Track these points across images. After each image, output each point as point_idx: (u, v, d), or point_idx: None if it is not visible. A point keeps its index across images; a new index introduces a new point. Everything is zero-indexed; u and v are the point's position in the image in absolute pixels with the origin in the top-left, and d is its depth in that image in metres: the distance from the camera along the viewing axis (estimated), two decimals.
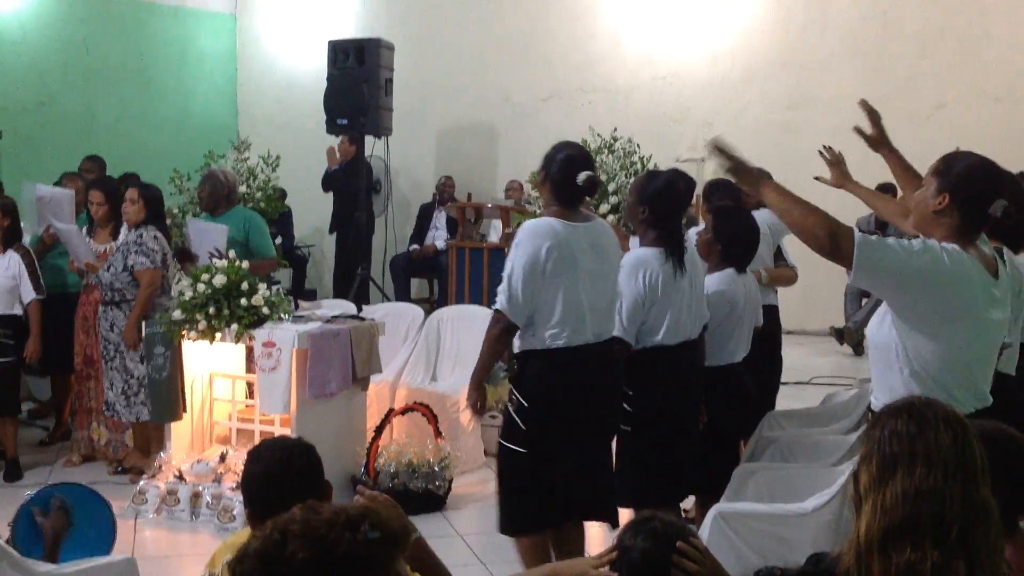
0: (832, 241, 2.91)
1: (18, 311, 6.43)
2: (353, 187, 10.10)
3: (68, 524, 3.62)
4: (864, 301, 9.15)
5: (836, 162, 4.41)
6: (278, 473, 2.68)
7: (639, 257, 4.29)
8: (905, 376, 2.99)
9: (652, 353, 4.29)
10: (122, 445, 6.59)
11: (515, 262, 3.94)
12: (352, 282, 9.86)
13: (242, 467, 5.27)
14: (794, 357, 8.36)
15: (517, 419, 4.00)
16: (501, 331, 4.00)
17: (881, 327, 3.07)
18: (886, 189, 9.07)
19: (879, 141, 4.21)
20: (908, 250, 2.89)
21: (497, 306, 3.97)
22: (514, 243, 4.01)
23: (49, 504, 3.78)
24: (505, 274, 3.95)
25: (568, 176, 4.02)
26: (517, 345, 4.14)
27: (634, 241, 4.77)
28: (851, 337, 9.18)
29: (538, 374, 4.02)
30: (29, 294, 6.43)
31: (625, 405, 4.28)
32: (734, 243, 4.71)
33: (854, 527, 2.00)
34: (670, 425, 4.32)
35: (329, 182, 10.65)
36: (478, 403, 4.17)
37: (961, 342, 2.97)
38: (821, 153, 4.40)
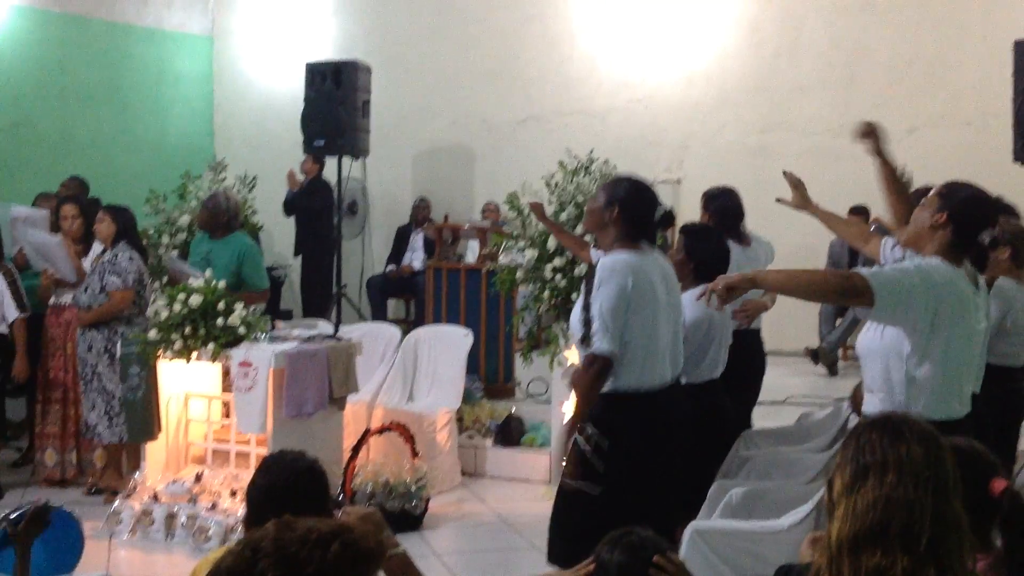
0: (847, 287, 3.08)
1: (3, 330, 6.40)
2: (317, 206, 10.10)
3: (35, 534, 3.58)
4: (838, 321, 9.23)
5: (796, 185, 4.53)
6: (282, 489, 2.68)
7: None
8: (903, 382, 3.14)
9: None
10: (91, 466, 6.57)
11: (603, 300, 3.74)
12: (322, 302, 9.87)
13: (216, 483, 5.24)
14: (769, 377, 8.35)
15: (594, 459, 3.81)
16: (599, 371, 3.77)
17: (876, 336, 3.20)
18: (858, 211, 9.19)
19: (801, 205, 4.39)
20: (904, 271, 3.13)
21: (594, 349, 3.74)
22: (597, 283, 3.79)
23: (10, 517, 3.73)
24: (595, 314, 3.75)
25: (645, 210, 3.89)
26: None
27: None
28: (825, 357, 9.24)
29: (618, 416, 3.83)
30: (12, 313, 6.41)
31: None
32: (706, 261, 4.73)
33: (826, 531, 2.04)
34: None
35: (291, 206, 10.59)
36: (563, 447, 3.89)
37: (954, 350, 3.15)
38: (785, 174, 4.51)
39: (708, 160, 10.37)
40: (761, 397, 7.67)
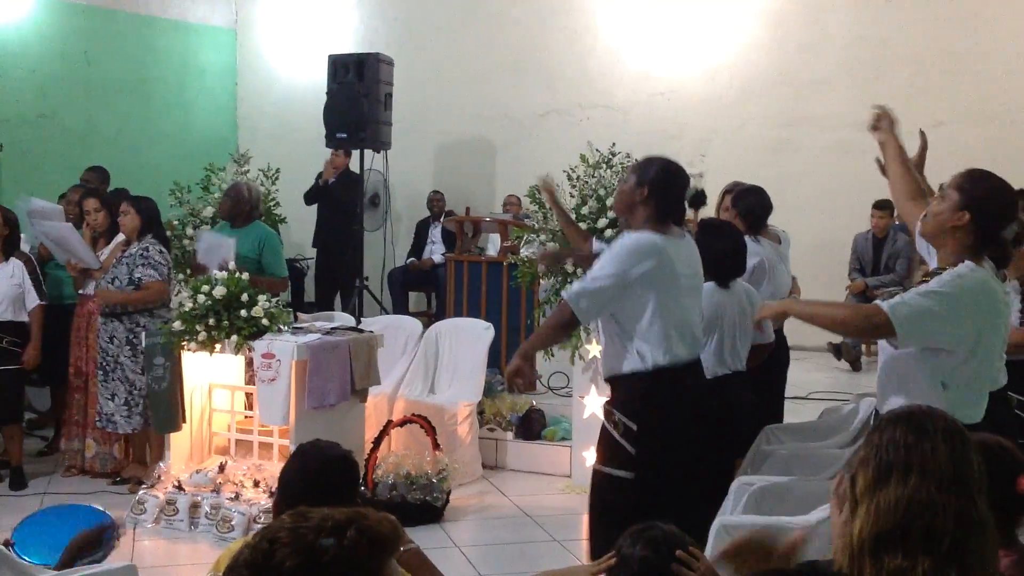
0: (868, 324, 3.12)
1: (24, 318, 6.47)
2: (346, 200, 10.12)
3: (95, 548, 3.63)
4: None
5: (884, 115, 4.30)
6: (314, 475, 2.75)
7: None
8: (930, 381, 3.14)
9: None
10: (111, 458, 6.61)
11: (606, 269, 3.77)
12: (342, 295, 9.89)
13: (239, 474, 5.28)
14: (792, 372, 8.37)
15: (624, 443, 3.82)
16: (564, 323, 3.84)
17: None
18: (882, 206, 9.14)
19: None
20: (928, 303, 3.07)
21: (566, 295, 3.80)
22: (613, 249, 3.83)
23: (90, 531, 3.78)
24: (592, 273, 3.80)
25: (676, 191, 3.91)
26: (612, 368, 3.94)
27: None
28: (848, 353, 9.21)
29: (647, 395, 3.84)
30: (33, 300, 6.47)
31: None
32: (719, 259, 4.70)
33: (844, 529, 2.01)
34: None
35: (315, 195, 10.59)
36: (522, 372, 3.88)
37: (987, 355, 3.15)
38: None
39: (730, 154, 10.34)
40: (785, 392, 7.69)
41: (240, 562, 1.55)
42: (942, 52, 10.01)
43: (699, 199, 4.02)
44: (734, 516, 3.92)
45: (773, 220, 5.85)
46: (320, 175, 10.48)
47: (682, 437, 3.85)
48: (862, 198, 9.28)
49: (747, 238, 5.10)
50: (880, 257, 9.37)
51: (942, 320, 3.04)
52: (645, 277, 3.75)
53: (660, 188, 3.85)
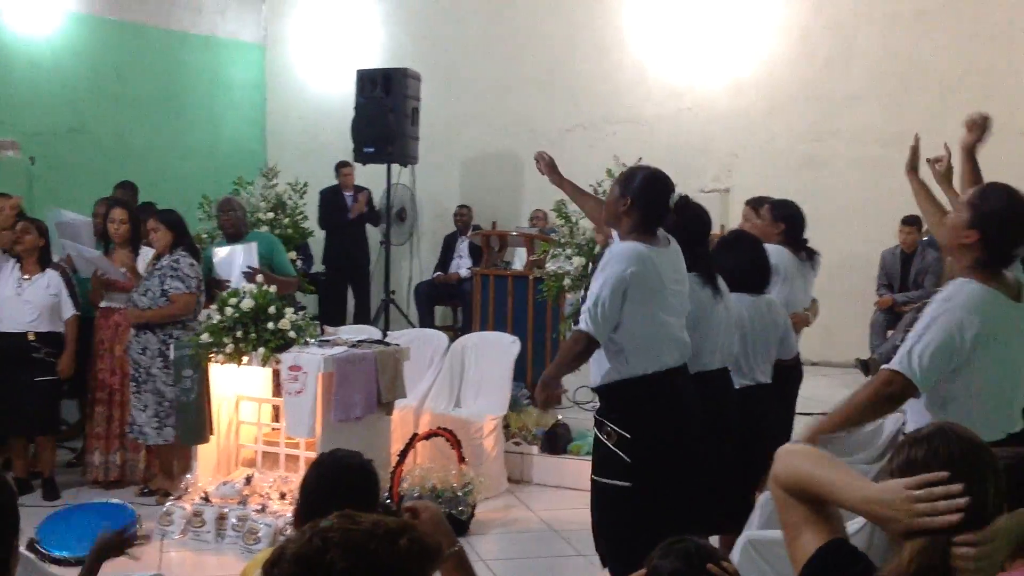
0: (889, 393, 3.12)
1: (59, 328, 6.54)
2: (363, 218, 10.26)
3: (120, 551, 3.67)
4: (889, 333, 9.12)
5: (977, 124, 4.32)
6: (331, 483, 2.78)
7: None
8: (942, 405, 3.09)
9: (697, 378, 4.19)
10: (136, 468, 6.67)
11: (602, 283, 3.84)
12: (358, 308, 9.96)
13: (265, 486, 5.30)
14: (818, 388, 8.34)
15: (619, 452, 3.87)
16: (584, 348, 3.89)
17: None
18: (911, 222, 9.08)
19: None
20: (921, 332, 3.05)
21: (581, 326, 3.86)
22: (601, 265, 3.91)
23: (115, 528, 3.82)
24: (591, 294, 3.86)
25: (659, 199, 3.96)
26: (601, 377, 3.99)
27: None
28: (876, 369, 9.13)
29: (636, 402, 3.91)
30: (70, 310, 6.56)
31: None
32: (739, 274, 4.69)
33: (894, 550, 1.93)
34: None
35: (332, 222, 10.59)
36: (553, 397, 4.08)
37: (997, 371, 3.09)
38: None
39: (758, 169, 10.31)
40: (809, 407, 7.64)
41: (288, 556, 1.55)
42: (972, 67, 9.95)
43: (683, 206, 4.07)
44: (761, 531, 3.90)
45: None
46: (337, 211, 10.48)
47: (675, 442, 3.90)
48: (890, 213, 9.23)
49: (769, 245, 5.11)
50: (908, 273, 9.30)
51: (949, 348, 3.01)
52: (633, 282, 3.82)
53: (644, 198, 3.93)
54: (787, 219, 5.55)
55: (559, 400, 3.92)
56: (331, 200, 10.60)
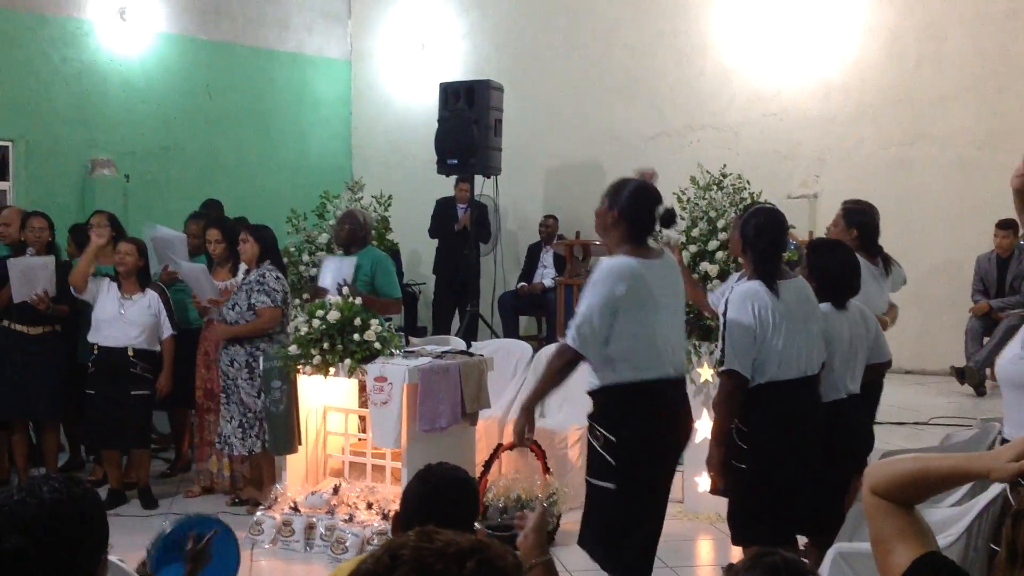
0: None
1: (157, 347, 6.69)
2: (466, 231, 10.26)
3: (209, 558, 3.73)
4: (986, 340, 8.87)
5: None
6: (431, 495, 2.84)
7: (747, 290, 4.24)
8: None
9: (765, 389, 4.21)
10: (241, 477, 6.78)
11: (592, 300, 3.95)
12: (451, 320, 9.97)
13: (352, 495, 5.34)
14: (913, 397, 8.16)
15: (605, 455, 4.00)
16: (566, 363, 4.00)
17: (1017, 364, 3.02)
18: (1007, 226, 8.82)
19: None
20: None
21: (568, 340, 3.97)
22: (591, 281, 4.01)
23: (197, 535, 3.89)
24: (579, 310, 3.96)
25: (644, 211, 4.07)
26: (591, 383, 4.11)
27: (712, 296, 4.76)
28: (972, 377, 8.89)
29: (622, 408, 4.01)
30: (168, 330, 6.70)
31: (739, 442, 4.22)
32: (827, 278, 4.61)
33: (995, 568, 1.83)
34: (785, 464, 4.22)
35: (441, 232, 10.74)
36: (524, 429, 4.13)
37: None
38: None
39: (846, 174, 10.12)
40: (904, 416, 7.48)
41: (361, 571, 1.57)
42: None
43: (670, 218, 4.11)
44: (851, 543, 3.82)
45: (894, 242, 5.72)
46: (447, 221, 10.57)
47: (658, 447, 4.01)
48: (985, 218, 8.98)
49: None
50: (1004, 278, 9.04)
51: None
52: (623, 298, 3.92)
53: (631, 210, 4.04)
54: (860, 225, 5.43)
55: (531, 431, 4.02)
56: (443, 211, 10.69)
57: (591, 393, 4.14)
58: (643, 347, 3.99)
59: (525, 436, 4.13)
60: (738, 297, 4.19)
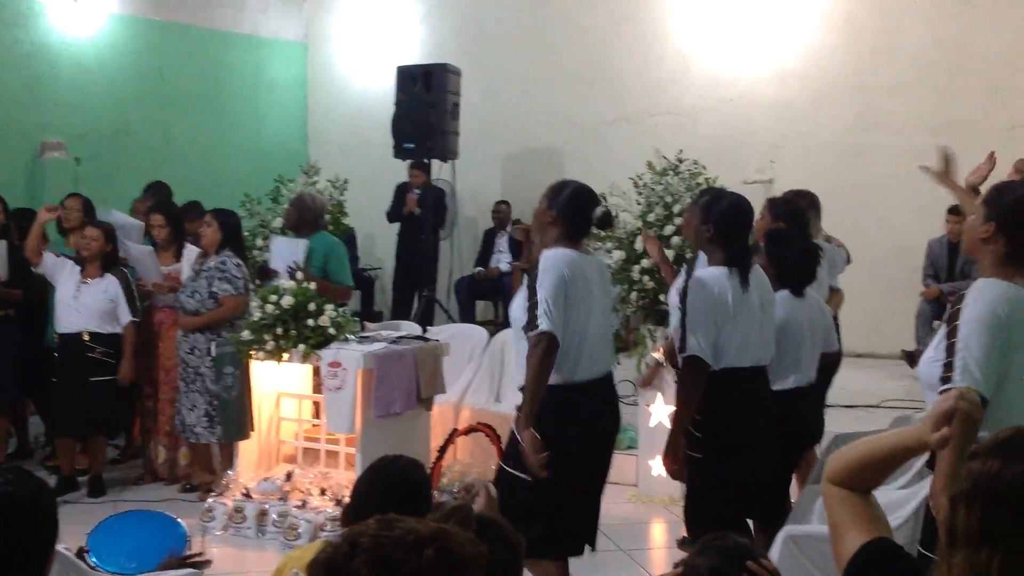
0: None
1: (117, 329, 6.57)
2: (422, 216, 10.19)
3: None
4: (936, 323, 8.97)
5: (948, 159, 4.27)
6: (379, 493, 2.85)
7: (709, 275, 4.22)
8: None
9: (721, 376, 4.18)
10: (177, 465, 6.72)
11: (546, 287, 3.93)
12: (410, 305, 9.92)
13: (306, 482, 5.33)
14: (864, 380, 8.24)
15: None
16: (547, 349, 3.91)
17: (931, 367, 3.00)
18: (957, 212, 8.91)
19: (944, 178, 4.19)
20: (965, 341, 2.88)
21: (541, 327, 3.89)
22: (541, 271, 3.99)
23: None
24: (540, 299, 3.93)
25: (581, 212, 4.12)
26: (521, 378, 4.06)
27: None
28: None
29: (553, 409, 3.98)
30: (126, 316, 6.57)
31: (693, 430, 4.21)
32: (787, 266, 4.63)
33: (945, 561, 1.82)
34: (739, 453, 4.21)
35: (398, 217, 10.65)
36: (535, 450, 3.92)
37: (1019, 368, 2.92)
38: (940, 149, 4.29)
39: (801, 161, 10.18)
40: (855, 400, 7.55)
41: (320, 559, 1.56)
42: (1019, 54, 9.74)
43: (606, 220, 4.18)
44: (801, 526, 3.86)
45: (848, 229, 5.76)
46: (403, 206, 10.47)
47: (581, 448, 4.02)
48: (937, 205, 9.07)
49: None
50: (955, 263, 9.14)
51: (999, 348, 2.84)
52: (570, 283, 3.96)
53: (569, 211, 4.10)
54: (784, 215, 5.43)
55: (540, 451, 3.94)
56: (402, 196, 10.58)
57: (522, 388, 4.08)
58: (575, 347, 4.00)
59: (539, 458, 3.91)
60: (699, 283, 4.17)
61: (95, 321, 6.49)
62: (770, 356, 4.38)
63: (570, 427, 4.00)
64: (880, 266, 9.26)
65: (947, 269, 9.20)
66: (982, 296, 2.93)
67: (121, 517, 4.86)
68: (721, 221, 4.23)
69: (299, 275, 6.14)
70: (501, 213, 10.97)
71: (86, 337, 6.47)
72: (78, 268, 6.58)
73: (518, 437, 3.99)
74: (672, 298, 5.20)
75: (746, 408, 4.24)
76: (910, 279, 9.36)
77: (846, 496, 2.05)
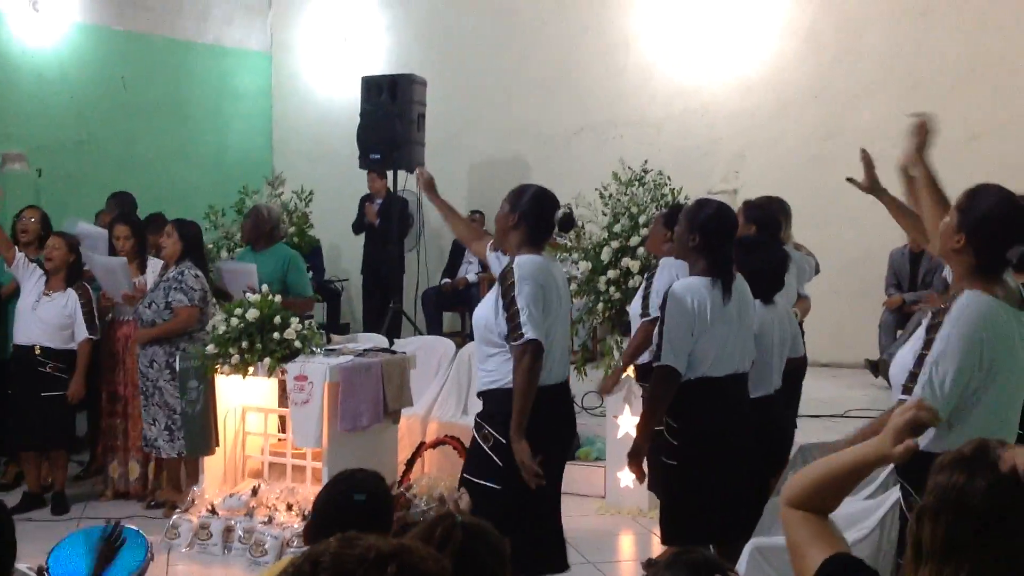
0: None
1: (72, 346, 6.51)
2: (384, 225, 10.14)
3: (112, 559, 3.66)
4: (899, 333, 9.06)
5: (869, 166, 4.33)
6: (340, 509, 2.81)
7: (688, 285, 4.23)
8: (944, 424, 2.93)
9: (698, 385, 4.19)
10: (145, 479, 6.65)
11: (526, 295, 3.93)
12: (381, 316, 9.87)
13: (272, 497, 5.28)
14: (828, 390, 8.30)
15: (493, 456, 3.98)
16: (535, 357, 3.90)
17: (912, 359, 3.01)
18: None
19: (871, 187, 4.24)
20: (938, 357, 2.88)
21: (527, 336, 3.87)
22: (518, 279, 3.97)
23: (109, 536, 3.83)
24: (522, 306, 3.92)
25: (544, 215, 4.15)
26: (484, 383, 4.10)
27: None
28: (886, 370, 9.07)
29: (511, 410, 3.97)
30: (82, 333, 6.50)
31: (669, 438, 4.22)
32: (756, 275, 4.64)
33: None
34: (715, 460, 4.22)
35: (362, 228, 10.63)
36: (530, 462, 3.89)
37: (1005, 387, 2.96)
38: (863, 151, 4.34)
39: (766, 170, 10.25)
40: (819, 409, 7.60)
41: None
42: (980, 63, 9.87)
43: (568, 222, 4.22)
44: (767, 538, 3.87)
45: (813, 236, 5.79)
46: (364, 217, 10.44)
47: (547, 452, 3.98)
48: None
49: None
50: (917, 272, 9.24)
51: (968, 371, 2.86)
52: (545, 289, 3.99)
53: (531, 215, 4.13)
54: (758, 220, 5.46)
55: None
56: (362, 207, 10.56)
57: (483, 394, 4.13)
58: (550, 349, 4.01)
59: (535, 472, 3.89)
60: (677, 292, 4.17)
61: (48, 335, 6.46)
62: (750, 362, 4.40)
63: (534, 430, 3.97)
64: (843, 276, 9.32)
65: (909, 278, 9.29)
66: (966, 314, 2.91)
67: (81, 534, 4.81)
68: (706, 229, 4.22)
69: (265, 288, 6.11)
70: (475, 223, 10.94)
71: (37, 351, 6.44)
72: (44, 280, 6.52)
73: (486, 449, 3.98)
74: (634, 308, 5.23)
75: (722, 416, 4.25)
76: (873, 289, 9.45)
77: (804, 517, 2.08)
